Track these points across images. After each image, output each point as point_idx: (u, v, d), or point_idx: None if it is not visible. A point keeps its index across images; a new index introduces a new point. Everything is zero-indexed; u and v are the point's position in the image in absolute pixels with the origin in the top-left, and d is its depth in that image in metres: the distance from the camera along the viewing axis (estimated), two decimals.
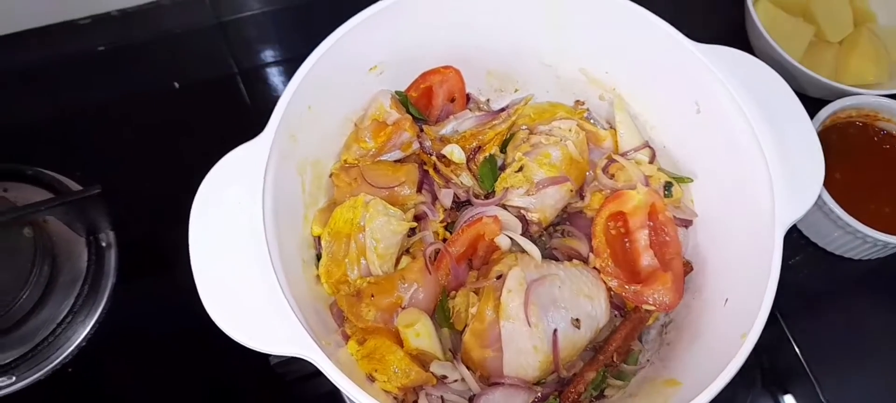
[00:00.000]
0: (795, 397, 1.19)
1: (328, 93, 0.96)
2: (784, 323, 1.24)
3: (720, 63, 0.93)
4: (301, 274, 0.93)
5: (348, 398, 0.81)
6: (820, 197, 1.19)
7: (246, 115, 1.35)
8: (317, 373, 0.77)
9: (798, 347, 1.22)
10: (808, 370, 1.20)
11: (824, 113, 1.29)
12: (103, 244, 1.18)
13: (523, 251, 0.98)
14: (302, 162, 0.96)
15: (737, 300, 0.89)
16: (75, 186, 1.19)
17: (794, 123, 0.92)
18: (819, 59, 1.43)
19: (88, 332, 1.13)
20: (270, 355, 1.06)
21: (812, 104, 1.28)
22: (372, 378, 0.90)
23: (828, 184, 1.22)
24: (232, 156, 0.84)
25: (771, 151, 0.88)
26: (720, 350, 0.82)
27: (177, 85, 1.37)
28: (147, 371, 1.13)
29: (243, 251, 0.80)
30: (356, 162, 1.02)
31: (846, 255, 1.30)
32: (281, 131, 0.86)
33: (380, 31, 0.98)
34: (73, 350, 1.11)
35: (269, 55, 1.43)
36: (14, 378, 1.08)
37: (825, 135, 1.31)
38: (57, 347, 1.11)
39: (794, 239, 1.34)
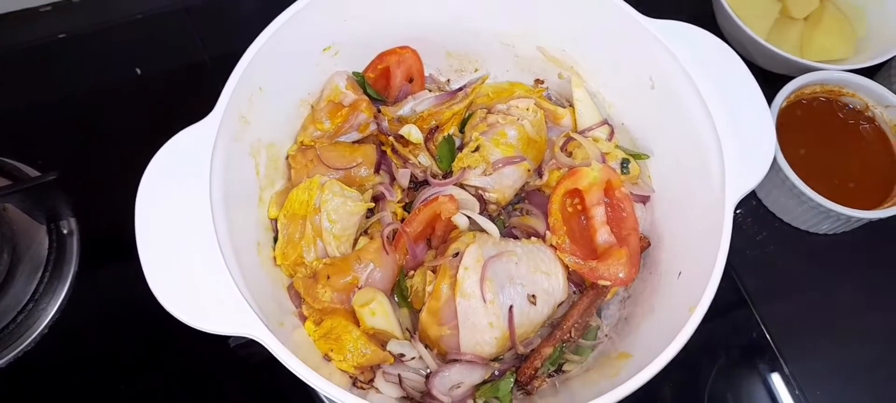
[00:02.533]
0: (760, 369, 1.20)
1: (281, 74, 0.96)
2: (748, 296, 1.24)
3: (673, 37, 0.93)
4: (255, 256, 0.93)
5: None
6: (784, 172, 1.20)
7: (215, 103, 1.34)
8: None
9: (762, 320, 1.23)
10: (772, 342, 1.21)
11: (789, 89, 1.29)
12: (65, 231, 1.18)
13: (482, 229, 0.98)
14: (255, 144, 0.96)
15: (689, 273, 0.89)
16: (35, 174, 1.18)
17: (746, 96, 0.92)
18: (784, 35, 1.43)
19: (51, 319, 1.13)
20: (229, 338, 1.07)
21: (778, 81, 1.29)
22: (329, 358, 0.91)
23: (793, 159, 1.23)
24: (179, 138, 0.83)
25: (722, 124, 0.88)
26: (672, 322, 0.82)
27: (139, 71, 1.36)
28: (110, 358, 1.13)
29: (191, 233, 0.79)
30: (313, 143, 1.02)
31: (812, 230, 1.31)
32: (229, 112, 0.86)
33: (332, 11, 0.97)
34: (35, 338, 1.11)
35: (244, 41, 1.42)
36: None
37: (790, 111, 1.31)
38: (19, 335, 1.10)
39: (761, 215, 1.35)
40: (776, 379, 1.19)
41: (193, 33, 1.42)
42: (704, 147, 0.91)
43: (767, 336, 1.22)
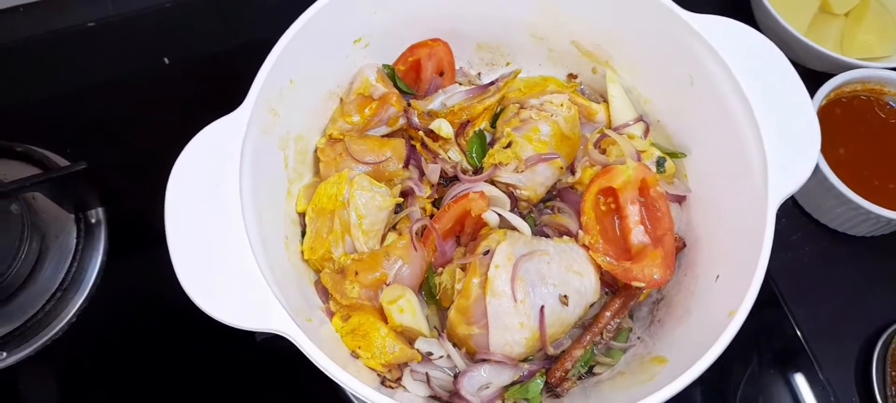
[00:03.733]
0: (794, 375, 1.17)
1: (311, 66, 0.95)
2: (783, 299, 1.21)
3: (714, 33, 0.90)
4: (283, 251, 0.92)
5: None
6: (822, 172, 1.17)
7: (243, 93, 1.33)
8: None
9: (797, 324, 1.20)
10: (807, 347, 1.18)
11: (828, 86, 1.26)
12: (93, 221, 1.18)
13: (512, 227, 0.96)
14: (284, 137, 0.95)
15: (728, 276, 0.87)
16: (64, 163, 1.19)
17: (789, 94, 0.88)
18: (824, 31, 1.39)
19: (79, 308, 1.13)
20: (256, 332, 1.07)
21: (817, 78, 1.25)
22: (356, 355, 0.89)
23: (831, 159, 1.19)
24: (209, 131, 0.82)
25: (765, 123, 0.85)
26: (709, 327, 0.80)
27: (167, 61, 1.35)
28: (137, 347, 1.13)
29: (220, 226, 0.78)
30: (341, 136, 1.00)
31: (849, 232, 1.28)
32: (259, 105, 0.85)
33: (363, 2, 0.96)
34: (63, 326, 1.12)
35: (273, 31, 1.41)
36: (5, 354, 1.08)
37: (829, 110, 1.28)
38: (47, 323, 1.11)
39: (796, 216, 1.31)
40: (811, 386, 1.16)
41: (222, 22, 1.41)
42: (745, 145, 0.88)
43: (802, 341, 1.19)
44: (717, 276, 0.88)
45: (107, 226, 1.19)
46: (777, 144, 0.84)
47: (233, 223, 0.78)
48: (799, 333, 1.19)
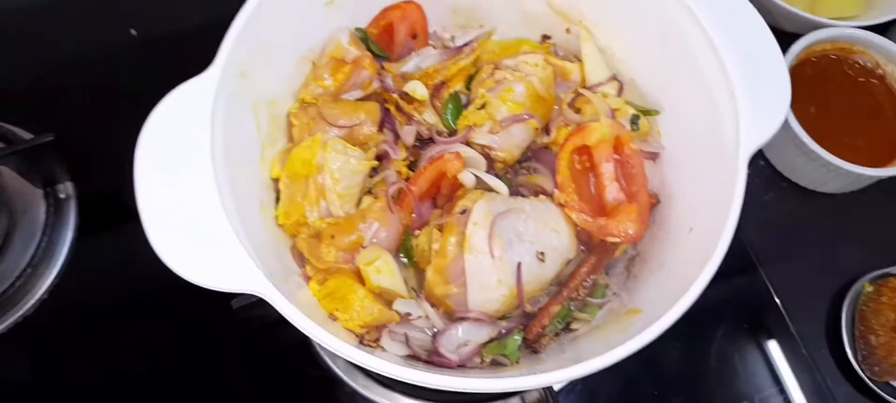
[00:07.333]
0: (766, 330, 1.20)
1: (282, 28, 0.93)
2: (755, 256, 1.24)
3: None
4: (258, 215, 0.90)
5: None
6: (793, 130, 1.18)
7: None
8: (283, 321, 0.75)
9: (769, 280, 1.22)
10: (778, 303, 1.21)
11: (799, 46, 1.27)
12: (62, 196, 1.16)
13: (489, 188, 0.96)
14: (256, 101, 0.93)
15: (700, 229, 0.88)
16: (30, 137, 1.16)
17: (760, 47, 0.89)
18: None
19: (50, 285, 1.11)
20: (232, 300, 1.06)
21: (788, 38, 1.27)
22: (334, 318, 0.89)
23: (802, 117, 1.21)
24: (178, 92, 0.80)
25: (736, 76, 0.86)
26: (682, 278, 0.81)
27: (133, 32, 1.32)
28: (111, 323, 1.12)
29: (193, 189, 0.77)
30: (314, 101, 0.99)
31: (820, 189, 1.30)
32: (229, 67, 0.83)
33: None
34: (34, 304, 1.10)
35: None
36: None
37: (800, 69, 1.30)
38: (17, 301, 1.09)
39: (768, 175, 1.34)
40: (783, 340, 1.19)
41: None
42: (717, 100, 0.88)
43: (774, 297, 1.21)
44: (690, 229, 0.89)
45: (77, 201, 1.17)
46: (748, 96, 0.85)
47: (205, 185, 0.77)
48: (771, 289, 1.22)
